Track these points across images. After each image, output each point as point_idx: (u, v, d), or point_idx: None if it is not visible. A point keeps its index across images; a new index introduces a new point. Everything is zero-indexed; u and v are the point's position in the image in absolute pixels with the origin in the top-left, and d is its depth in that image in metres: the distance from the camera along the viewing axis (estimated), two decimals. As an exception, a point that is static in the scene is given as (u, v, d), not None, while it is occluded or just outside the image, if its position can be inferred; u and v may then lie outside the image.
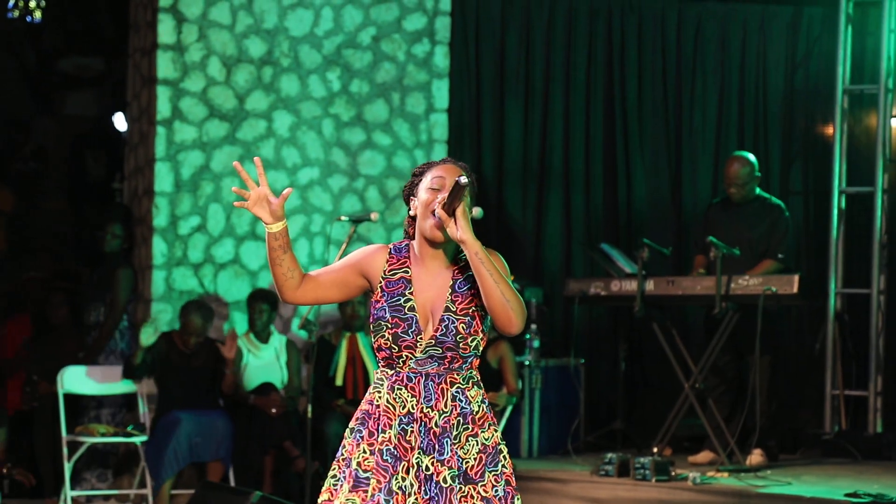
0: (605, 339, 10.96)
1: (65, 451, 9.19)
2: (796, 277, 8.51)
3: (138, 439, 9.30)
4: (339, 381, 9.59)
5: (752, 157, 9.37)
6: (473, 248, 4.34)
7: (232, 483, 9.17)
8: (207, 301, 9.88)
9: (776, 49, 11.34)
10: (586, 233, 11.20)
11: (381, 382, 4.43)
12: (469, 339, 4.36)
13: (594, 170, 11.36)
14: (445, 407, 4.35)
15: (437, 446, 4.32)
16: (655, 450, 8.57)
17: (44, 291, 11.42)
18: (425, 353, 4.36)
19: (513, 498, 4.35)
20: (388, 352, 4.38)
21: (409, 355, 4.37)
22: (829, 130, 10.73)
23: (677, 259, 9.95)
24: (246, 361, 9.57)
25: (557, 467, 8.69)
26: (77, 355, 9.87)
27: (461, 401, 4.37)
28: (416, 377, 4.36)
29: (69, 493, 9.17)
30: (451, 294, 4.41)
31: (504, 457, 4.39)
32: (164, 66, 10.10)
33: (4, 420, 9.67)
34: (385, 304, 4.40)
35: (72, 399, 9.46)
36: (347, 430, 4.53)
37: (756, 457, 8.67)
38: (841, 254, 10.30)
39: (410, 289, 4.41)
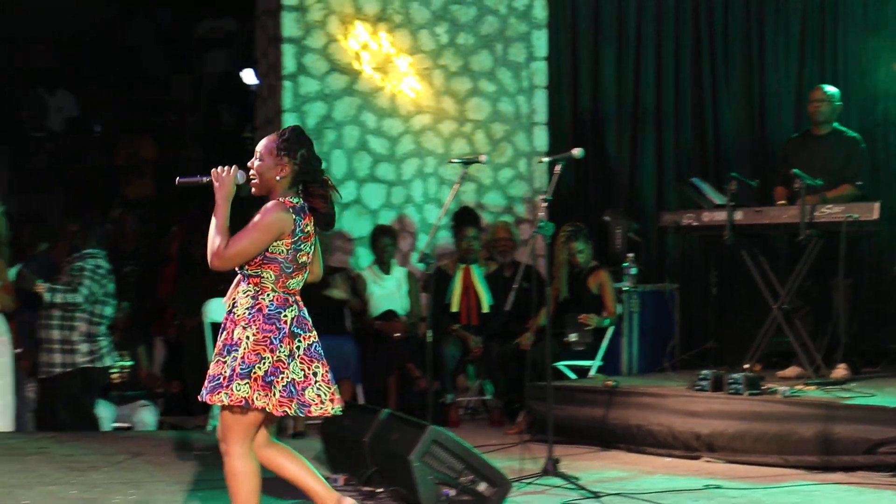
0: (697, 265, 10.90)
1: (211, 375, 9.34)
2: (877, 205, 8.36)
3: (275, 363, 9.43)
4: (454, 308, 9.67)
5: (832, 89, 9.22)
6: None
7: (361, 401, 9.29)
8: (333, 238, 9.97)
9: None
10: (677, 168, 11.13)
11: None
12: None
13: (684, 109, 11.28)
14: None
15: None
16: (747, 366, 8.54)
17: (187, 233, 11.62)
18: None
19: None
20: None
21: None
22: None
23: (763, 190, 9.83)
24: (371, 291, 9.66)
25: (656, 384, 8.68)
26: (218, 288, 10.00)
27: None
28: None
29: (217, 410, 9.31)
30: None
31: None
32: (289, 25, 10.17)
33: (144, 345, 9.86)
34: None
35: (216, 327, 9.60)
36: None
37: (841, 370, 8.59)
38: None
39: None
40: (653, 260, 10.76)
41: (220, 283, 9.99)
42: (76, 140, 13.68)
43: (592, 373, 9.27)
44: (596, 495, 6.63)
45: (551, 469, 7.03)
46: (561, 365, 9.23)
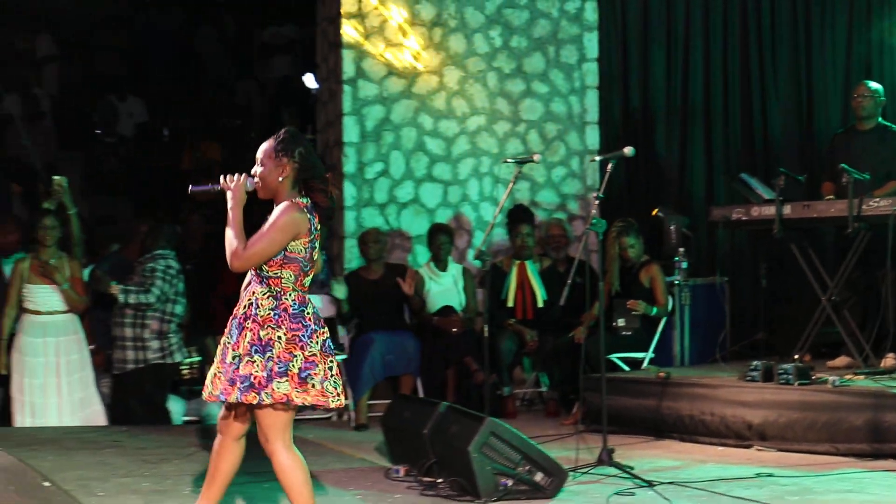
0: (746, 259, 10.82)
1: (276, 369, 9.34)
2: (923, 198, 8.25)
3: (339, 358, 9.41)
4: (510, 303, 9.64)
5: (876, 85, 9.09)
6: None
7: (421, 394, 9.28)
8: (393, 236, 9.96)
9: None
10: (726, 164, 11.04)
11: None
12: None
13: (732, 106, 11.20)
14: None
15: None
16: (796, 356, 8.44)
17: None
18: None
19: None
20: None
21: None
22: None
23: (811, 185, 9.72)
24: (428, 288, 9.64)
25: (708, 374, 8.60)
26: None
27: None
28: None
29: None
30: None
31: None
32: (348, 31, 10.16)
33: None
34: None
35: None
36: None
37: (889, 360, 8.46)
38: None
39: None
40: (703, 254, 10.67)
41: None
42: (146, 144, 13.75)
43: (645, 365, 9.20)
44: (650, 484, 6.58)
45: (606, 459, 6.98)
46: (614, 357, 9.17)
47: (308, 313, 5.13)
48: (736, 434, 7.86)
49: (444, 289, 9.69)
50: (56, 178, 9.26)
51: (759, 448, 7.69)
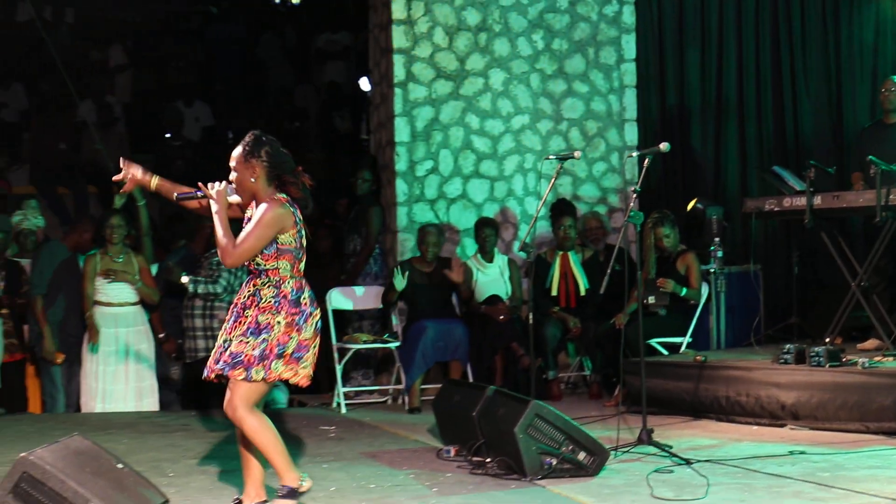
0: (779, 247, 10.74)
1: (335, 355, 9.41)
2: (949, 187, 8.13)
3: (393, 345, 9.48)
4: (554, 292, 9.61)
5: None
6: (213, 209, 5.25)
7: (470, 379, 9.28)
8: (442, 229, 9.97)
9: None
10: (759, 158, 10.96)
11: None
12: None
13: (764, 102, 11.11)
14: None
15: None
16: (828, 340, 8.35)
17: (311, 228, 11.67)
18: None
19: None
20: None
21: None
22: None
23: (840, 176, 9.62)
24: (476, 278, 9.64)
25: (742, 357, 8.53)
26: (340, 278, 10.08)
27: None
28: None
29: (341, 388, 9.40)
30: None
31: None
32: (398, 37, 10.17)
33: None
34: None
35: (338, 314, 9.68)
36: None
37: (918, 343, 8.38)
38: None
39: None
40: (738, 243, 10.60)
41: (340, 274, 10.13)
42: (211, 147, 13.82)
43: (683, 349, 9.15)
44: (687, 462, 6.54)
45: (646, 438, 6.96)
46: (654, 342, 9.13)
47: (304, 298, 5.30)
48: (770, 414, 7.80)
49: (491, 279, 9.68)
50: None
51: (793, 427, 7.63)
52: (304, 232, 5.33)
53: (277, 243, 5.24)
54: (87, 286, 9.01)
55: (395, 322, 9.69)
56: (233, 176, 5.29)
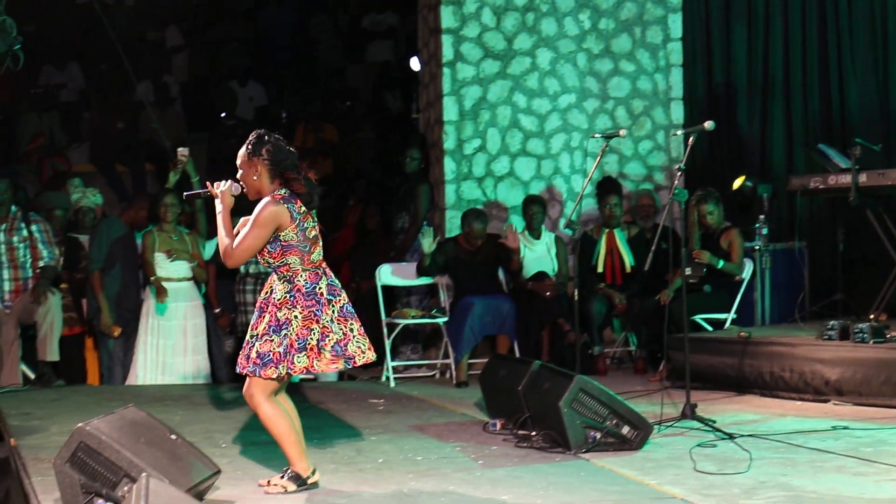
0: (824, 225, 10.61)
1: (384, 330, 9.42)
2: None
3: (441, 320, 9.47)
4: (599, 269, 9.58)
5: None
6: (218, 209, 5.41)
7: (517, 354, 9.26)
8: (489, 208, 9.94)
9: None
10: (805, 136, 10.84)
11: None
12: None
13: (811, 80, 10.96)
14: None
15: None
16: (872, 316, 8.25)
17: (362, 206, 11.70)
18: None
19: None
20: None
21: None
22: None
23: (886, 154, 9.48)
24: (523, 255, 9.61)
25: (787, 334, 8.45)
26: (389, 254, 10.08)
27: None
28: None
29: (390, 363, 9.41)
30: None
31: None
32: (447, 17, 10.13)
33: None
34: None
35: (387, 290, 9.69)
36: None
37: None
38: None
39: None
40: (784, 220, 10.49)
41: (390, 251, 10.13)
42: (264, 126, 13.86)
43: (727, 325, 9.08)
44: (731, 436, 6.50)
45: (689, 413, 6.92)
46: (698, 318, 9.07)
47: (321, 288, 5.34)
48: (814, 390, 7.72)
49: (538, 255, 9.64)
50: (180, 149, 9.40)
51: (836, 403, 7.55)
52: (307, 224, 5.37)
53: (281, 240, 5.31)
54: (148, 256, 9.09)
55: (444, 297, 9.68)
56: (239, 174, 5.43)
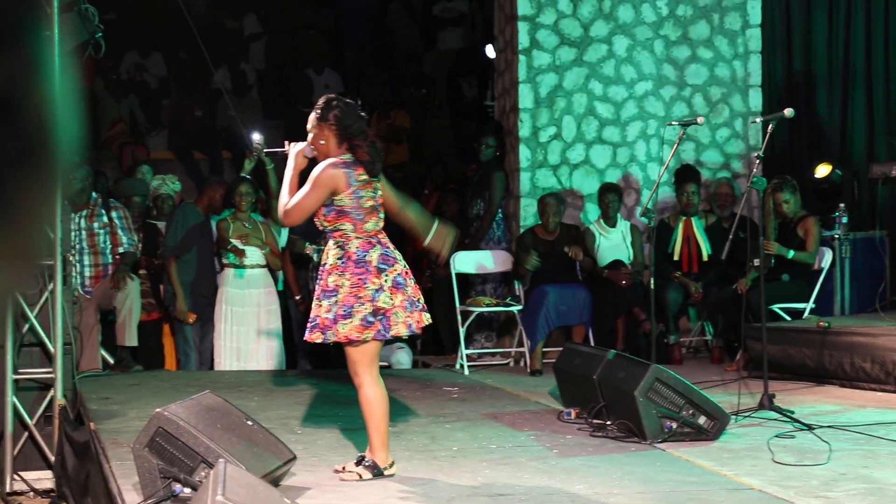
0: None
1: (459, 318, 9.41)
2: None
3: (515, 308, 9.44)
4: (676, 257, 9.48)
5: None
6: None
7: (591, 343, 9.20)
8: (565, 195, 9.88)
9: None
10: (887, 124, 10.62)
11: None
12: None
13: (893, 67, 10.74)
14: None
15: None
16: (955, 307, 8.09)
17: (439, 193, 11.68)
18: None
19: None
20: None
21: None
22: None
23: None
24: (598, 243, 9.54)
25: (867, 323, 8.30)
26: (464, 242, 10.06)
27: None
28: None
29: (464, 350, 9.40)
30: None
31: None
32: (523, 4, 10.08)
33: None
34: None
35: (462, 277, 9.68)
36: None
37: None
38: None
39: None
40: (864, 209, 10.30)
41: (465, 238, 10.10)
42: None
43: (806, 315, 8.94)
44: (809, 427, 6.39)
45: (767, 403, 6.82)
46: (776, 307, 8.93)
47: (371, 257, 5.30)
48: (895, 380, 7.57)
49: (614, 244, 9.57)
50: (255, 136, 9.45)
51: (918, 395, 7.40)
52: (364, 193, 5.33)
53: (335, 205, 5.31)
54: (223, 236, 9.17)
55: (519, 285, 9.65)
56: (309, 138, 5.44)
